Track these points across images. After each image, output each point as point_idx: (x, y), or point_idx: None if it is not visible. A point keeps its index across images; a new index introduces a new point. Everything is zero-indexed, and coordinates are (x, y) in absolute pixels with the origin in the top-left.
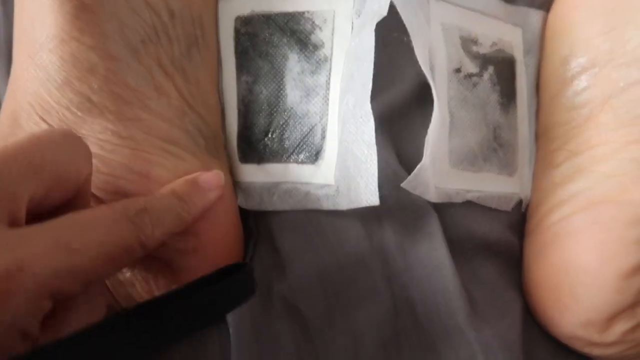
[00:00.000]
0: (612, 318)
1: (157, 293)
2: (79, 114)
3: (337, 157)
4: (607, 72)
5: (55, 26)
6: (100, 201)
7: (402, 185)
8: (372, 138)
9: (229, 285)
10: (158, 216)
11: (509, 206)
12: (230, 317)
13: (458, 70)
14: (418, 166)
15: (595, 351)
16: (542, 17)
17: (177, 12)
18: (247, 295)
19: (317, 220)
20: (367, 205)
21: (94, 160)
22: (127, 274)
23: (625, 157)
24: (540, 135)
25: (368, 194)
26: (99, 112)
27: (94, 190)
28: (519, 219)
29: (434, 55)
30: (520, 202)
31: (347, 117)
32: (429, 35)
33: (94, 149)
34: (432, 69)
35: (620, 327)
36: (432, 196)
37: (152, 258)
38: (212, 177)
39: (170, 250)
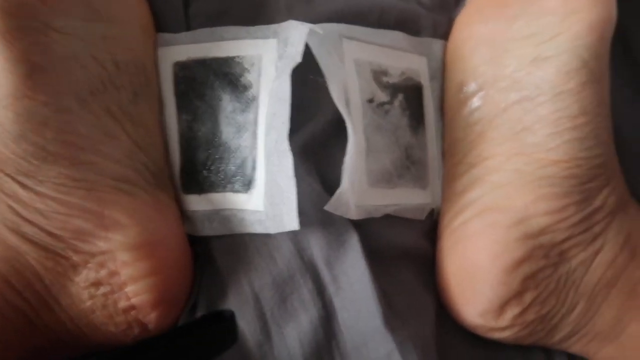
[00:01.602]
0: (504, 306)
1: (116, 318)
2: (35, 162)
3: (265, 187)
4: (492, 94)
5: (10, 86)
6: (59, 239)
7: (325, 207)
8: (291, 170)
9: (213, 333)
10: None
11: (422, 215)
12: None
13: (371, 100)
14: (337, 190)
15: (495, 335)
16: (443, 45)
17: (122, 62)
18: (231, 342)
19: (252, 242)
20: (290, 229)
21: (52, 203)
22: (87, 302)
23: (509, 168)
24: (446, 151)
25: (290, 220)
26: (54, 160)
27: (53, 229)
28: (432, 227)
29: (348, 89)
30: (432, 211)
31: (270, 151)
32: (343, 71)
33: (51, 192)
34: (347, 102)
35: (510, 313)
36: (353, 214)
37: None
38: None
39: (124, 277)
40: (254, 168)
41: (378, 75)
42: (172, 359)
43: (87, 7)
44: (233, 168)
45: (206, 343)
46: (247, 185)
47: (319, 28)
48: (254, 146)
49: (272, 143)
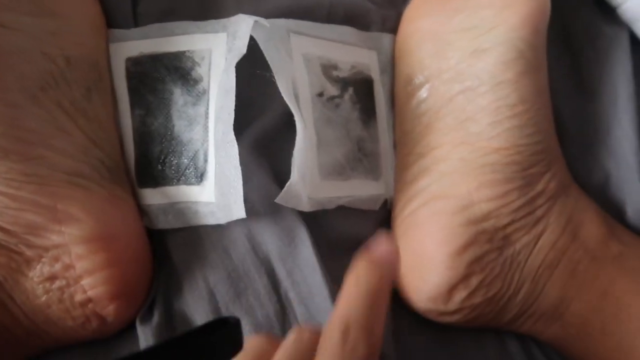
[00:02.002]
0: (451, 290)
1: (73, 312)
2: None
3: (215, 178)
4: (437, 86)
5: None
6: (11, 234)
7: (276, 200)
8: (237, 160)
9: (219, 339)
10: None
11: (376, 206)
12: (141, 337)
13: (321, 94)
14: (287, 183)
15: (445, 319)
16: (392, 39)
17: (73, 58)
18: (237, 350)
19: (208, 237)
20: (237, 218)
21: (3, 198)
22: (42, 297)
23: (455, 157)
24: (397, 142)
25: (237, 209)
26: (4, 155)
27: (5, 225)
28: (387, 217)
29: (297, 83)
30: (385, 201)
31: (218, 143)
32: (291, 66)
33: (2, 188)
34: (296, 96)
35: (458, 297)
36: (306, 207)
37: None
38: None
39: (79, 270)
40: (205, 160)
41: (328, 69)
42: None
43: (34, 2)
44: (186, 161)
45: (211, 350)
46: (200, 177)
47: (265, 21)
48: (205, 139)
49: (219, 135)
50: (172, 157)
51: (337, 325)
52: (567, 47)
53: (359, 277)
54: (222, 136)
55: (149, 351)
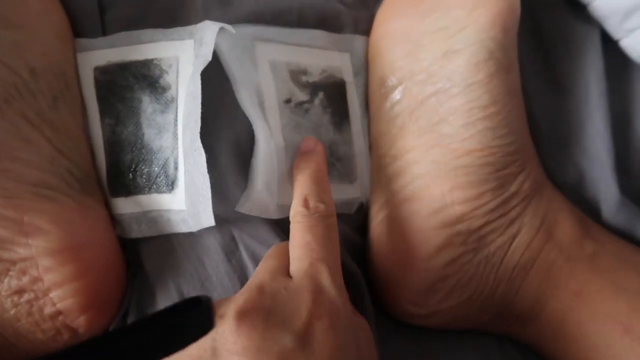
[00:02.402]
0: (427, 292)
1: (43, 325)
2: None
3: (185, 186)
4: (410, 87)
5: None
6: None
7: (236, 209)
8: (205, 168)
9: (190, 318)
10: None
11: (351, 210)
12: None
13: (288, 101)
14: (245, 193)
15: (424, 322)
16: (364, 41)
17: (38, 69)
18: (208, 328)
19: (180, 246)
20: (207, 226)
21: None
22: (11, 311)
23: (428, 159)
24: (372, 145)
25: (206, 217)
26: None
27: None
28: (363, 219)
29: (263, 91)
30: (361, 205)
31: (187, 151)
32: (255, 75)
33: None
34: (262, 104)
35: (434, 298)
36: (274, 214)
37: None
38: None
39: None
40: (176, 168)
41: (296, 75)
42: (144, 348)
43: None
44: (156, 169)
45: (180, 330)
46: (171, 185)
47: (230, 27)
48: (175, 146)
49: (187, 142)
50: (142, 165)
51: (298, 201)
52: (539, 46)
53: (300, 167)
54: (190, 144)
55: (119, 332)
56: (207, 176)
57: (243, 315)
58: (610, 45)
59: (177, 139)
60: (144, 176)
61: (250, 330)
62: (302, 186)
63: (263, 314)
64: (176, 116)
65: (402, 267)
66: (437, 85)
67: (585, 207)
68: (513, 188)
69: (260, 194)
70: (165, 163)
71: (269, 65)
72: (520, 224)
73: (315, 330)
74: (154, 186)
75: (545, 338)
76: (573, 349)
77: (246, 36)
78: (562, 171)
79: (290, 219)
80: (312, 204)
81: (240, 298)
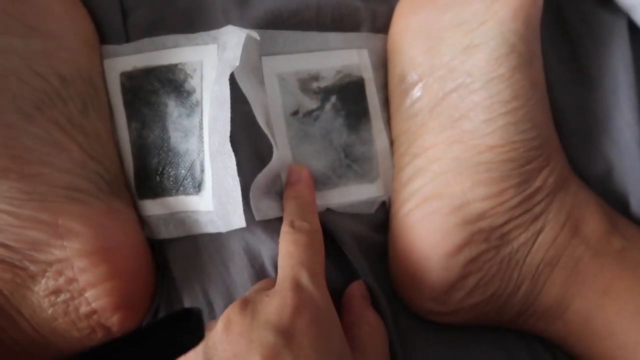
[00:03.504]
0: (448, 290)
1: (78, 324)
2: None
3: (212, 188)
4: (430, 84)
5: None
6: (15, 251)
7: (257, 218)
8: (234, 170)
9: (180, 331)
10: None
11: (371, 209)
12: None
13: (295, 113)
14: (254, 202)
15: (446, 319)
16: (383, 39)
17: (68, 76)
18: (197, 340)
19: (206, 250)
20: (238, 227)
21: (6, 216)
22: (48, 311)
23: (449, 156)
24: (394, 142)
25: (236, 218)
26: (3, 174)
27: (9, 242)
28: (385, 217)
29: (270, 107)
30: (384, 203)
31: (214, 154)
32: (262, 93)
33: (4, 206)
34: (269, 120)
35: (456, 297)
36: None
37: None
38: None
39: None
40: (202, 170)
41: (307, 82)
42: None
43: (23, 24)
44: (183, 171)
45: (172, 341)
46: (198, 187)
47: (255, 33)
48: (200, 149)
49: (215, 145)
50: (169, 168)
51: (286, 223)
52: (565, 36)
53: (287, 196)
54: (218, 147)
55: (110, 345)
56: (237, 178)
57: (230, 325)
58: (638, 36)
59: (202, 142)
60: (171, 178)
61: (238, 337)
62: (288, 213)
63: (247, 320)
64: (201, 119)
65: (422, 266)
66: (457, 81)
67: (613, 200)
68: (537, 183)
69: (267, 200)
70: (191, 165)
71: (277, 79)
72: (544, 219)
73: (297, 325)
74: (181, 188)
75: (572, 336)
76: (601, 347)
77: (254, 53)
78: (589, 163)
79: (279, 240)
80: (297, 224)
81: (227, 310)
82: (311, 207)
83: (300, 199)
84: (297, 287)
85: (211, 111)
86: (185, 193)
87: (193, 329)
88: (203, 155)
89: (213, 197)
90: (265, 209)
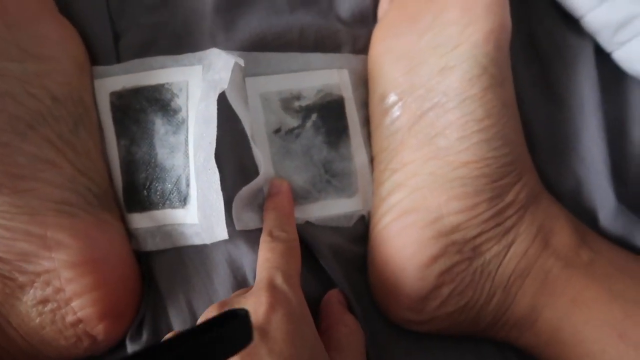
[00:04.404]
0: (423, 300)
1: (65, 332)
2: None
3: (197, 202)
4: (409, 103)
5: None
6: (4, 262)
7: (237, 228)
8: (218, 186)
9: (230, 331)
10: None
11: (350, 223)
12: None
13: (278, 130)
14: (234, 213)
15: (422, 328)
16: (363, 60)
17: (60, 96)
18: (247, 341)
19: (191, 262)
20: (220, 239)
21: None
22: (36, 320)
23: (426, 171)
24: (374, 158)
25: (219, 230)
26: None
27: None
28: (364, 231)
29: (254, 125)
30: (363, 217)
31: (199, 170)
32: (247, 113)
33: None
34: (252, 137)
35: (430, 306)
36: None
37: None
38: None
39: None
40: (187, 185)
41: (289, 102)
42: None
43: (19, 48)
44: (169, 186)
45: (221, 343)
46: (183, 201)
47: (241, 60)
48: (186, 165)
49: (200, 161)
50: (156, 183)
51: (265, 233)
52: (535, 57)
53: (267, 207)
54: (203, 163)
55: (163, 345)
56: (220, 193)
57: None
58: (603, 57)
59: (188, 157)
60: (157, 193)
61: None
62: (268, 223)
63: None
64: (187, 137)
65: (398, 276)
66: (434, 100)
67: (582, 214)
68: (509, 198)
69: (249, 212)
70: (177, 180)
71: (260, 99)
72: (515, 233)
73: (271, 320)
74: (168, 202)
75: (542, 344)
76: (569, 355)
77: (238, 74)
78: (559, 179)
79: (259, 248)
80: (275, 233)
81: (206, 311)
82: (289, 218)
83: (280, 210)
84: (272, 287)
85: (196, 128)
86: (172, 207)
87: (242, 330)
88: (188, 170)
89: (198, 210)
90: (247, 220)
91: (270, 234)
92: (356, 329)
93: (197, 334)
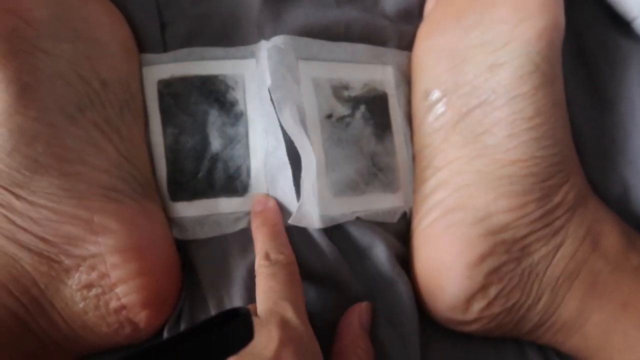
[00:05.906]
0: (469, 300)
1: (108, 318)
2: (28, 174)
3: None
4: (454, 100)
5: (3, 103)
6: (51, 244)
7: (289, 222)
8: (291, 180)
9: (231, 330)
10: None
11: (394, 219)
12: None
13: (330, 116)
14: (297, 205)
15: (465, 328)
16: (408, 56)
17: (108, 80)
18: (248, 340)
19: (232, 257)
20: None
21: (45, 211)
22: (80, 304)
23: (472, 169)
24: (415, 156)
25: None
26: (45, 171)
27: (47, 235)
28: (406, 228)
29: (305, 108)
30: (405, 214)
31: (272, 166)
32: (298, 93)
33: (43, 201)
34: (303, 120)
35: (477, 306)
36: (317, 224)
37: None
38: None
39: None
40: (248, 175)
41: (338, 90)
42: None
43: (71, 30)
44: (226, 176)
45: (223, 341)
46: (243, 189)
47: (280, 42)
48: (247, 155)
49: (271, 158)
50: (209, 172)
51: (260, 256)
52: (583, 61)
53: (256, 225)
54: (276, 160)
55: (164, 344)
56: (293, 188)
57: None
58: None
59: (248, 149)
60: (211, 182)
61: None
62: (261, 244)
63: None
64: (247, 129)
65: (444, 275)
66: (481, 98)
67: (631, 219)
68: (557, 199)
69: (305, 206)
70: (237, 170)
71: (312, 83)
72: (564, 234)
73: (282, 357)
74: (223, 191)
75: (590, 349)
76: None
77: (290, 54)
78: (607, 183)
79: (255, 273)
80: (272, 256)
81: None
82: (283, 237)
83: (272, 228)
84: (283, 322)
85: (259, 125)
86: (228, 195)
87: (243, 328)
88: (249, 161)
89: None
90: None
91: (268, 258)
92: (368, 358)
93: (199, 332)
